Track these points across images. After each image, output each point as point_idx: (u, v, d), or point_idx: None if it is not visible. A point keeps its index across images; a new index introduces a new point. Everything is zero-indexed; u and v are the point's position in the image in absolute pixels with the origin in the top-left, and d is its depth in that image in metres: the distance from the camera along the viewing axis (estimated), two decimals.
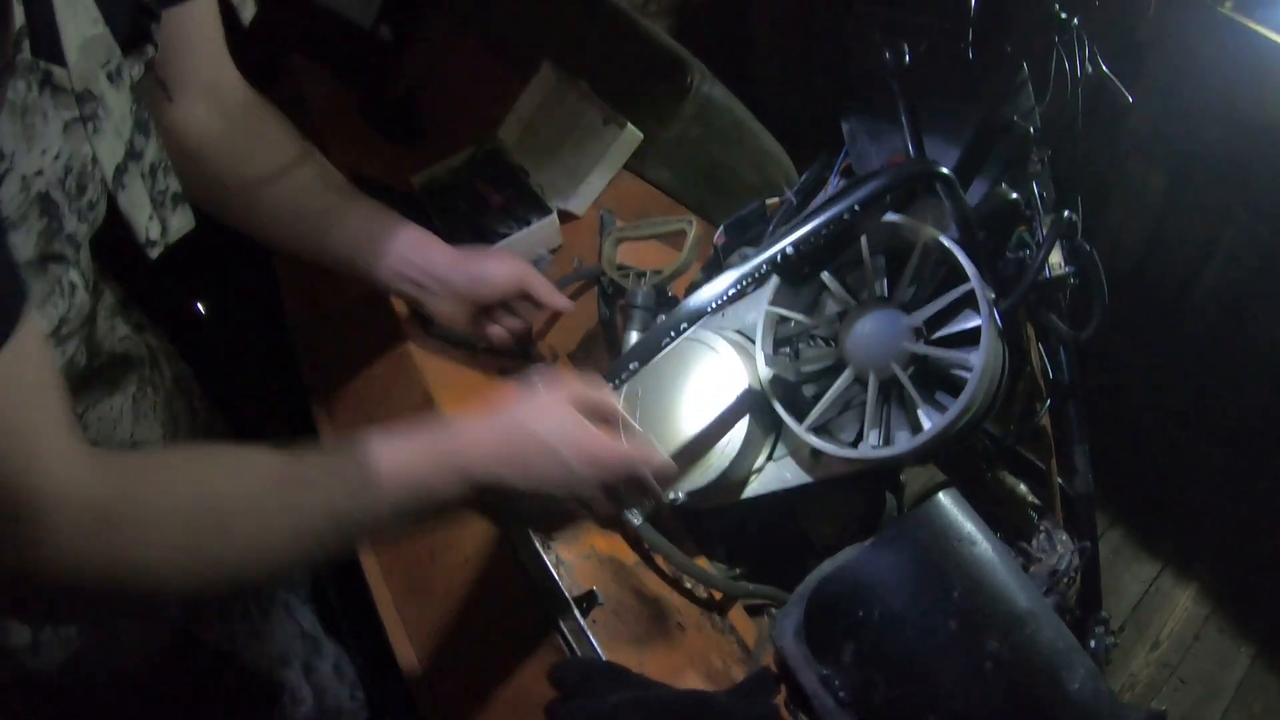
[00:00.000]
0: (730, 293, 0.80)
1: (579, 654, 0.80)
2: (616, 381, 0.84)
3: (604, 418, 0.78)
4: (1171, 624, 1.78)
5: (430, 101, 1.65)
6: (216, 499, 0.58)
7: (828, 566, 0.80)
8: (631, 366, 0.83)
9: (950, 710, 0.68)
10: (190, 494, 0.57)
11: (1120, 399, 2.00)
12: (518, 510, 0.78)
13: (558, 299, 1.03)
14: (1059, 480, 1.16)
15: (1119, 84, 1.25)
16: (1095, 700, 0.70)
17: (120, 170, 0.59)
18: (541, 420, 0.71)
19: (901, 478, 1.32)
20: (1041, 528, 1.07)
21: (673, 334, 0.81)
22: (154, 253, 0.65)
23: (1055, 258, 1.05)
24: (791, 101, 2.12)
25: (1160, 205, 2.04)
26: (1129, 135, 2.01)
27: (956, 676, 0.69)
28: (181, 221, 0.69)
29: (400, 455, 0.66)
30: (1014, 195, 1.03)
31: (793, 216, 1.03)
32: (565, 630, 0.83)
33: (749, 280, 0.80)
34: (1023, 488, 1.12)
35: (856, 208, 0.79)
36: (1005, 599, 0.71)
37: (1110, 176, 2.06)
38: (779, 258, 0.78)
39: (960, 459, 1.14)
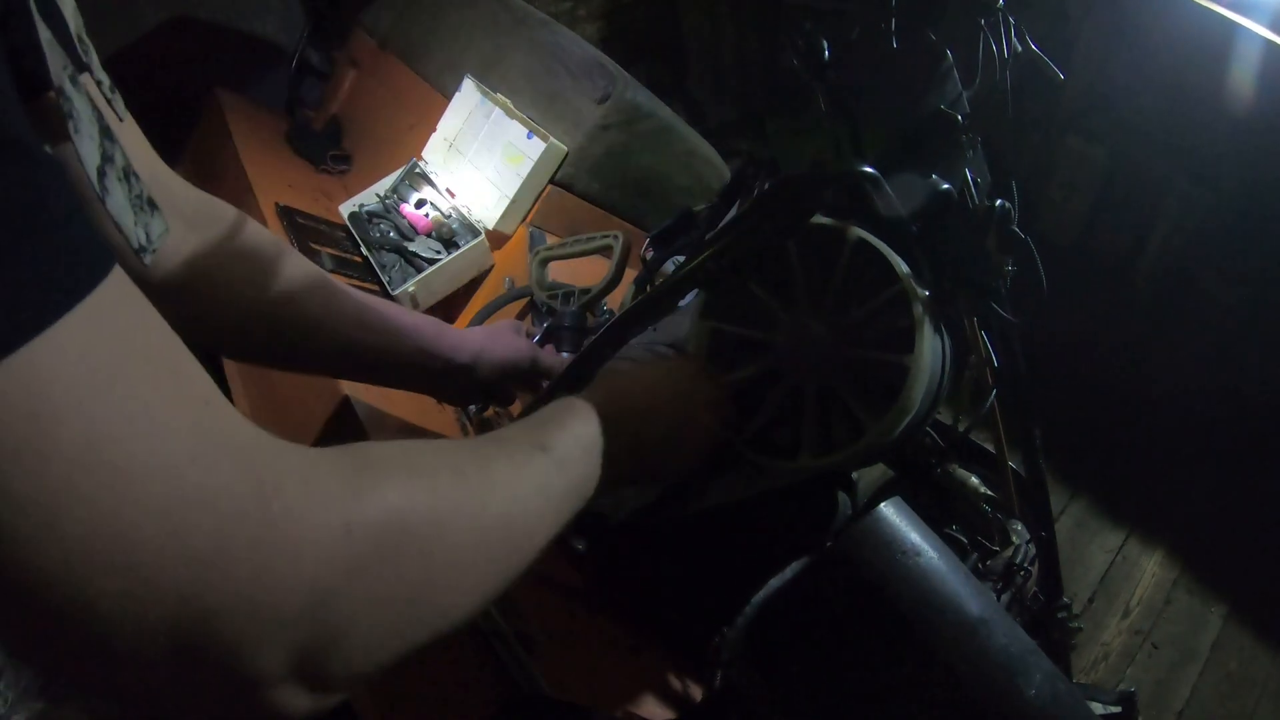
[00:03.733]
0: (652, 313, 0.77)
1: (526, 691, 0.78)
2: None
3: None
4: (1140, 591, 1.79)
5: (357, 126, 1.62)
6: (500, 506, 0.50)
7: (774, 584, 0.78)
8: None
9: None
10: (478, 506, 0.48)
11: (1073, 371, 2.01)
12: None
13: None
14: (1014, 468, 1.15)
15: (1050, 62, 1.24)
16: (1054, 703, 0.68)
17: (101, 174, 0.55)
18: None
19: (854, 476, 1.32)
20: (995, 519, 1.06)
21: (595, 360, 0.78)
22: (148, 259, 0.61)
23: (993, 245, 1.04)
24: (727, 99, 2.10)
25: (1101, 177, 2.05)
26: (1066, 110, 2.02)
27: (909, 693, 0.67)
28: (160, 226, 0.64)
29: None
30: (945, 186, 1.01)
31: (720, 222, 1.01)
32: (512, 669, 0.80)
33: (670, 299, 0.77)
34: (974, 480, 1.11)
35: (775, 215, 0.77)
36: (954, 609, 0.70)
37: (1050, 152, 2.07)
38: (699, 273, 0.76)
39: (910, 456, 1.13)
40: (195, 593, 0.32)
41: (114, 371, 0.32)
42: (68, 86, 0.51)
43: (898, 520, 0.73)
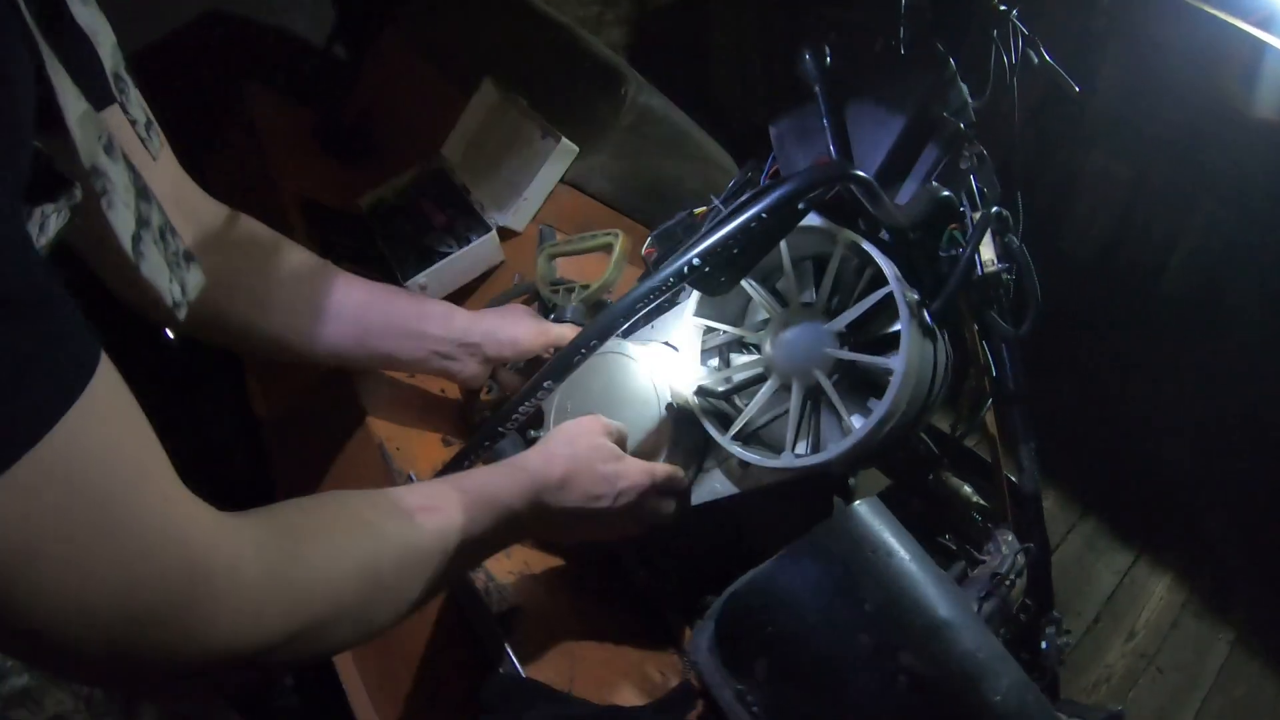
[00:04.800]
0: (639, 308, 0.79)
1: (502, 671, 0.80)
2: (532, 400, 0.83)
3: (621, 442, 0.89)
4: (1147, 613, 1.76)
5: (381, 122, 1.66)
6: (379, 562, 0.60)
7: (745, 577, 0.79)
8: (546, 385, 0.82)
9: None
10: (357, 560, 0.58)
11: (1091, 389, 1.99)
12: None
13: None
14: (1009, 479, 1.15)
15: (1065, 75, 1.24)
16: (1020, 712, 0.68)
17: (136, 240, 0.59)
18: (593, 453, 0.81)
19: (851, 482, 1.32)
20: (985, 529, 1.07)
21: (583, 352, 0.80)
22: (181, 314, 0.65)
23: (990, 254, 1.04)
24: (751, 107, 2.11)
25: (1125, 195, 2.03)
26: (1091, 126, 2.00)
27: (870, 692, 0.68)
28: (197, 278, 0.69)
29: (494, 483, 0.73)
30: (945, 193, 1.02)
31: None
32: (489, 650, 0.82)
33: (657, 295, 0.79)
34: (967, 489, 1.11)
35: (764, 216, 0.78)
36: (921, 610, 0.70)
37: (1074, 168, 2.05)
38: (686, 270, 0.78)
39: (904, 462, 1.14)
40: (134, 644, 0.44)
41: (88, 484, 0.41)
42: (102, 160, 0.54)
43: (871, 519, 0.74)
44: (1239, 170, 1.82)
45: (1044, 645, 1.09)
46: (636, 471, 0.84)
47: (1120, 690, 1.65)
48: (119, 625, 0.43)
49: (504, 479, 0.73)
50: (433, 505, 0.66)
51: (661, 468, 0.88)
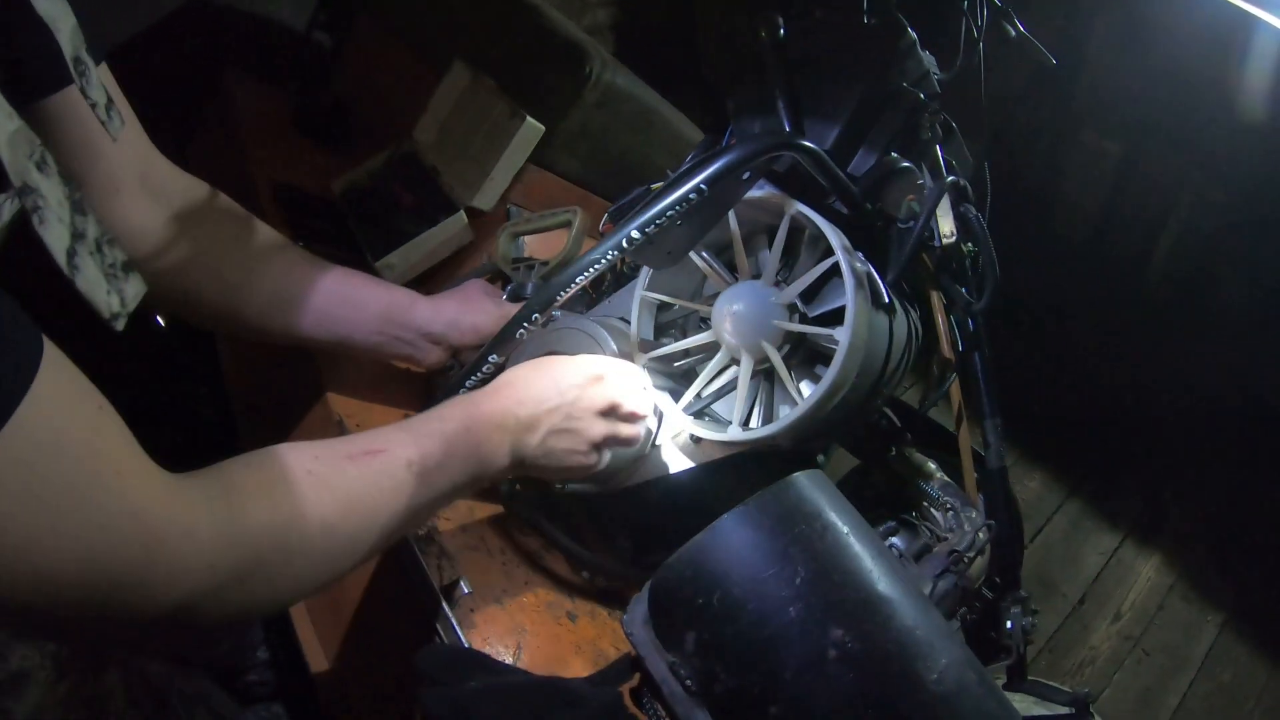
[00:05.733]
0: (579, 280, 0.79)
1: (445, 642, 0.80)
2: (479, 375, 0.83)
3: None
4: (1134, 595, 1.75)
5: (360, 106, 1.66)
6: (323, 509, 0.63)
7: (681, 550, 0.78)
8: (492, 359, 0.82)
9: (793, 702, 0.66)
10: (301, 510, 0.62)
11: (1080, 368, 1.97)
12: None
13: None
14: (976, 452, 1.14)
15: (1040, 46, 1.23)
16: (959, 692, 0.66)
17: (71, 254, 0.60)
18: (538, 362, 0.83)
19: (820, 460, 1.31)
20: (949, 505, 1.06)
21: (525, 326, 0.80)
22: (120, 325, 0.66)
23: (949, 226, 1.03)
24: (740, 85, 2.09)
25: (1115, 173, 2.01)
26: (1081, 103, 1.98)
27: (799, 666, 0.66)
28: (136, 288, 0.69)
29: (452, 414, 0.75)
30: (904, 164, 1.01)
31: None
32: (436, 620, 0.83)
33: (597, 268, 0.79)
34: (931, 465, 1.10)
35: (703, 187, 0.78)
36: (855, 584, 0.68)
37: (1063, 147, 2.03)
38: (625, 243, 0.77)
39: (865, 438, 1.13)
40: (98, 608, 0.49)
41: (45, 469, 0.45)
42: (34, 176, 0.55)
43: (808, 490, 0.73)
44: (1229, 147, 1.79)
45: (1009, 624, 1.08)
46: (584, 360, 0.85)
47: (1105, 672, 1.64)
48: (82, 592, 0.47)
49: (451, 406, 0.75)
50: (375, 447, 0.68)
51: (612, 360, 0.89)
